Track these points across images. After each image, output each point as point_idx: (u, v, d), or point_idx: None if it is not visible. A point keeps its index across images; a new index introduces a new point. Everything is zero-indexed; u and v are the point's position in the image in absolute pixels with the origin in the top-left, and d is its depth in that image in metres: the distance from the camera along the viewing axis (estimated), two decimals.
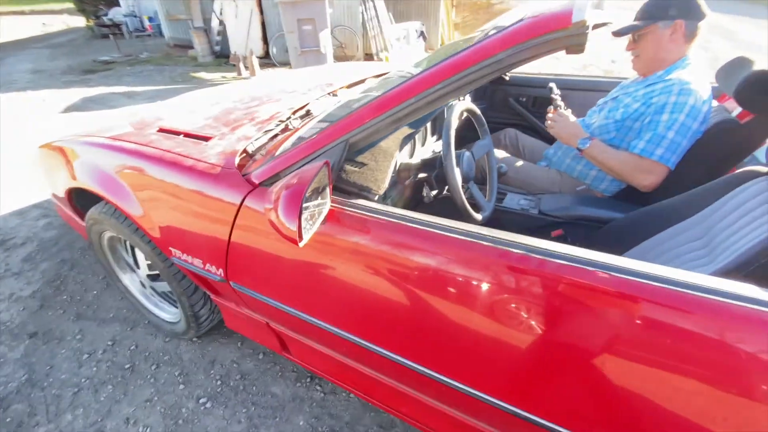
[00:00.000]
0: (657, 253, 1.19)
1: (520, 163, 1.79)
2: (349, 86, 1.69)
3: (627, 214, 1.34)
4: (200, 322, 1.47)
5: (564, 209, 1.50)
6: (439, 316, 0.80)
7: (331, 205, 0.88)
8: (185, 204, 1.10)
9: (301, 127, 1.27)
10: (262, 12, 6.70)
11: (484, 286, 0.73)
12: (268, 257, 1.00)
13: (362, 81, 1.76)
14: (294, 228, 0.74)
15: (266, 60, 6.74)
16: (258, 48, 6.69)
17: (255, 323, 1.27)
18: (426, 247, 0.79)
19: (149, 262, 1.53)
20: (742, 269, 0.82)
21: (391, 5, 6.39)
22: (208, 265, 1.13)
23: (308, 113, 1.40)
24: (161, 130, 1.34)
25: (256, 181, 0.99)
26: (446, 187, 1.26)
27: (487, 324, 0.75)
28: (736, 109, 1.55)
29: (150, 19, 9.94)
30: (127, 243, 1.56)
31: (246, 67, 6.11)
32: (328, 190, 0.85)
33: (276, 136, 1.27)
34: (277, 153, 1.03)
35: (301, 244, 0.76)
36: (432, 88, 0.79)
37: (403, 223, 0.81)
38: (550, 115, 1.56)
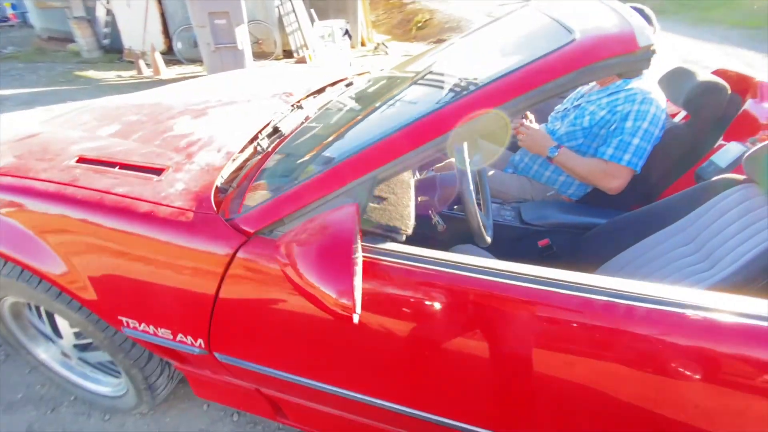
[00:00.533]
0: (648, 258, 1.22)
1: (491, 172, 1.76)
2: (312, 95, 1.49)
3: (609, 221, 1.38)
4: (156, 393, 1.18)
5: (545, 217, 1.51)
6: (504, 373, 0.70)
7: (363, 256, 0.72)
8: (142, 264, 0.84)
9: (273, 149, 1.07)
10: (160, 1, 5.93)
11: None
12: (270, 320, 0.81)
13: (322, 89, 1.57)
14: (349, 299, 0.57)
15: (170, 56, 5.99)
16: (159, 42, 5.92)
17: (239, 390, 1.04)
18: (487, 298, 0.68)
19: (77, 330, 1.18)
20: (751, 283, 0.85)
21: (309, 2, 6.10)
22: (180, 335, 0.88)
23: (276, 131, 1.19)
24: (82, 160, 1.02)
25: (249, 229, 0.79)
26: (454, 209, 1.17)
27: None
28: (680, 114, 1.70)
29: (12, 6, 8.27)
30: (41, 308, 1.20)
31: (148, 65, 5.36)
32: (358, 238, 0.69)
33: (245, 161, 1.05)
34: (264, 191, 0.84)
35: (356, 318, 0.59)
36: (484, 114, 0.68)
37: (455, 271, 0.69)
38: (520, 128, 1.55)
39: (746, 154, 1.07)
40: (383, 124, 0.80)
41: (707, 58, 5.66)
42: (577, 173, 1.50)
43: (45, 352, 1.27)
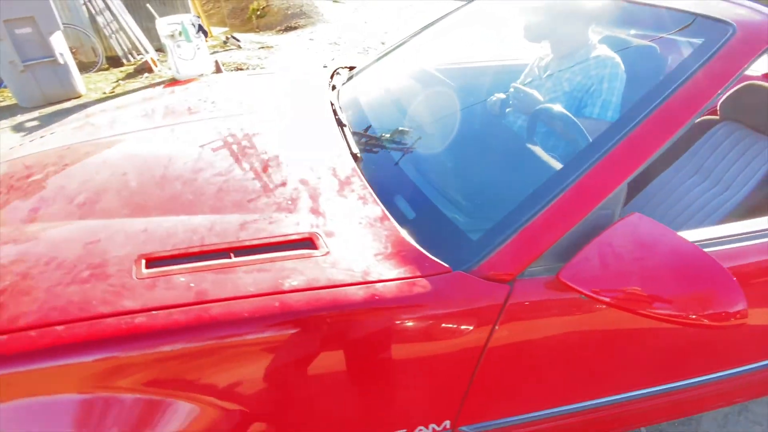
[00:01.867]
0: (663, 195, 1.47)
1: None
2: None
3: None
4: None
5: None
6: None
7: None
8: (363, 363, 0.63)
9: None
10: None
11: None
12: (542, 362, 0.71)
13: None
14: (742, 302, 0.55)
15: None
16: None
17: None
18: None
19: None
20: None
21: None
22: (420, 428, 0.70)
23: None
24: (151, 261, 0.68)
25: (506, 275, 0.66)
26: None
27: None
28: None
29: None
30: None
31: None
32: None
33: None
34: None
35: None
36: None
37: None
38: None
39: (720, 101, 1.35)
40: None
41: None
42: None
43: None
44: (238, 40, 5.89)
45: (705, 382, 0.87)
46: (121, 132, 1.14)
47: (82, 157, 1.02)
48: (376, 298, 0.62)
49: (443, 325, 0.64)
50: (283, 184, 0.85)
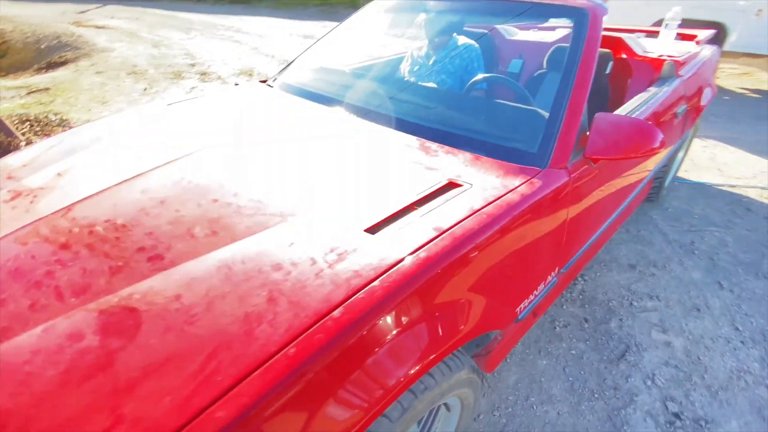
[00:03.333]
0: None
1: None
2: None
3: None
4: None
5: None
6: None
7: None
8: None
9: None
10: None
11: None
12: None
13: None
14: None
15: None
16: None
17: None
18: None
19: None
20: None
21: None
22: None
23: None
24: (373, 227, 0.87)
25: (562, 164, 1.11)
26: None
27: None
28: None
29: None
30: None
31: None
32: None
33: None
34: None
35: None
36: None
37: None
38: None
39: None
40: None
41: None
42: None
43: None
44: None
45: None
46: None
47: None
48: (520, 197, 0.97)
49: (548, 204, 1.04)
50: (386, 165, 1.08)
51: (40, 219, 0.93)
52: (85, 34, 7.80)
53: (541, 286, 1.15)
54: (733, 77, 5.91)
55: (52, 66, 6.24)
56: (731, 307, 1.83)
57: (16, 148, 3.51)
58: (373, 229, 0.85)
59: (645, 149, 1.10)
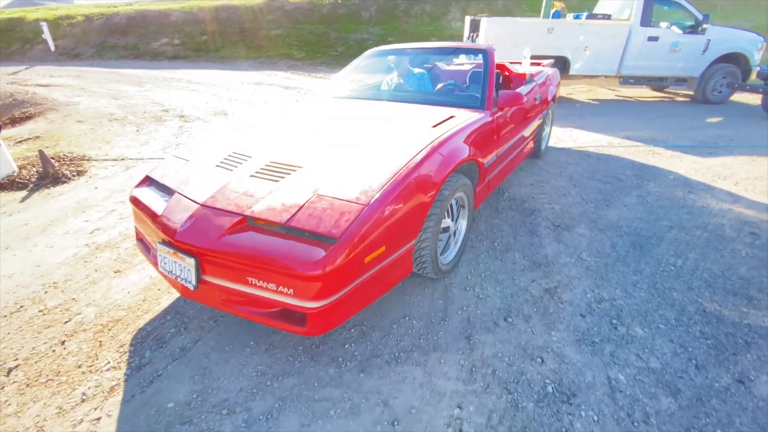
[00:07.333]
0: None
1: None
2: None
3: None
4: None
5: None
6: None
7: None
8: None
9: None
10: None
11: None
12: None
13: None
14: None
15: None
16: None
17: None
18: None
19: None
20: None
21: None
22: None
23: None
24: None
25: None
26: None
27: None
28: None
29: None
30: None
31: None
32: None
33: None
34: None
35: None
36: None
37: None
38: None
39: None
40: None
41: None
42: None
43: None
44: None
45: None
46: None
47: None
48: (478, 118, 2.48)
49: (488, 122, 2.56)
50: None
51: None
52: (39, 92, 8.11)
53: (492, 155, 2.64)
54: (581, 93, 8.59)
55: (17, 121, 6.56)
56: (581, 194, 3.52)
57: (64, 176, 4.24)
58: (434, 126, 2.26)
59: (520, 102, 2.66)
